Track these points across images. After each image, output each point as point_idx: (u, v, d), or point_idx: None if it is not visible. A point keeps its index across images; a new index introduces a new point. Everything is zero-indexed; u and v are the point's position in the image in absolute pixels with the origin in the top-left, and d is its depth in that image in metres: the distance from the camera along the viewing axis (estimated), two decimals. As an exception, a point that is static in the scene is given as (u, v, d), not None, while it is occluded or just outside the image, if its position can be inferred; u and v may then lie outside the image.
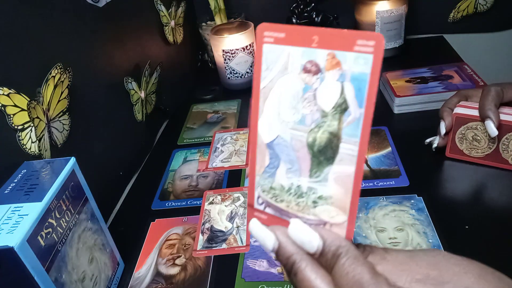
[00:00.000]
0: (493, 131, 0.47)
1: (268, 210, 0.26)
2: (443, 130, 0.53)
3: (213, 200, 0.56)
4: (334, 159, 0.23)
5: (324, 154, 0.24)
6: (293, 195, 0.25)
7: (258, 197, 0.26)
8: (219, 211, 0.53)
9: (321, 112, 0.24)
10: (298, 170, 0.25)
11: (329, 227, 0.24)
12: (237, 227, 0.51)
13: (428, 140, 0.57)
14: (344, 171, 0.23)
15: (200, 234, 0.51)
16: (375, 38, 0.21)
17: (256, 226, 0.25)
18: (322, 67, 0.23)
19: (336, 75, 0.23)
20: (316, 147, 0.24)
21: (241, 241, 0.49)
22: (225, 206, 0.54)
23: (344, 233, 0.24)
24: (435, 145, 0.55)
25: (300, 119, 0.24)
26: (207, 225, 0.52)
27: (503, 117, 0.48)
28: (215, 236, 0.50)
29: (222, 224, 0.51)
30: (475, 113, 0.50)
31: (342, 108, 0.23)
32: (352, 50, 0.22)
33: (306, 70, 0.23)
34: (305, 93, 0.24)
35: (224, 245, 0.49)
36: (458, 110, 0.51)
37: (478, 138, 0.51)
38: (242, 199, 0.55)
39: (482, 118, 0.49)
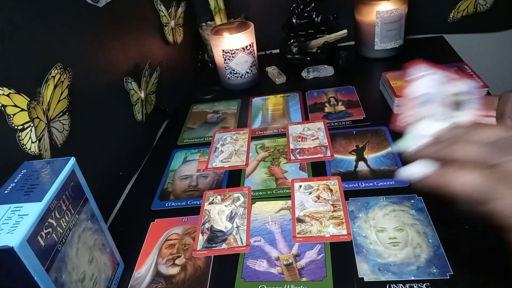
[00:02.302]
0: None
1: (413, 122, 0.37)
2: None
3: (213, 200, 0.56)
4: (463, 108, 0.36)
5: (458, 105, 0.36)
6: (442, 116, 0.36)
7: (407, 116, 0.37)
8: (219, 211, 0.53)
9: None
10: (445, 105, 0.36)
11: None
12: (237, 227, 0.51)
13: None
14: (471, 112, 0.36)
15: (200, 234, 0.51)
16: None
17: None
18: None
19: None
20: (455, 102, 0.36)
21: (241, 241, 0.49)
22: (225, 206, 0.54)
23: None
24: None
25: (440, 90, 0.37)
26: (207, 225, 0.52)
27: None
28: (215, 236, 0.50)
29: (222, 224, 0.51)
30: (491, 120, 0.48)
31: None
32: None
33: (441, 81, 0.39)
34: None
35: (224, 245, 0.49)
36: None
37: None
38: (242, 199, 0.55)
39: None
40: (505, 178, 0.25)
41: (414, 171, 0.29)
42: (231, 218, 0.52)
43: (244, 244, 0.48)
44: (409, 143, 0.33)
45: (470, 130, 0.28)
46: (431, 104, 0.36)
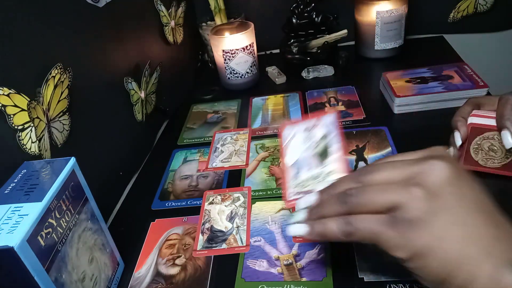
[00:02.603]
0: (509, 142, 0.45)
1: (296, 196, 0.42)
2: (459, 141, 0.49)
3: (213, 200, 0.56)
4: (328, 155, 0.43)
5: (323, 154, 0.44)
6: (313, 179, 0.42)
7: (290, 193, 0.43)
8: (219, 211, 0.53)
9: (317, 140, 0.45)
10: (311, 167, 0.43)
11: None
12: (237, 227, 0.51)
13: None
14: (334, 156, 0.43)
15: (200, 234, 0.51)
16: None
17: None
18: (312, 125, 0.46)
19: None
20: (320, 152, 0.44)
21: (241, 241, 0.49)
22: (225, 206, 0.54)
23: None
24: None
25: (307, 147, 0.45)
26: (207, 225, 0.52)
27: None
28: (215, 236, 0.50)
29: (222, 224, 0.51)
30: (491, 122, 0.47)
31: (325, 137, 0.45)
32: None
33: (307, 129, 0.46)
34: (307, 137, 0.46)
35: (224, 245, 0.49)
36: (473, 120, 0.48)
37: (495, 148, 0.49)
38: (242, 199, 0.55)
39: (500, 128, 0.46)
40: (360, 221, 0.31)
41: (297, 230, 0.35)
42: (231, 218, 0.52)
43: (244, 244, 0.48)
44: (299, 217, 0.36)
45: (330, 189, 0.35)
46: (302, 170, 0.43)
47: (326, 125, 0.45)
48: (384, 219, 0.30)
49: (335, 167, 0.42)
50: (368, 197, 0.31)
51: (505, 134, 0.45)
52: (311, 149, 0.44)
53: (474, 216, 0.28)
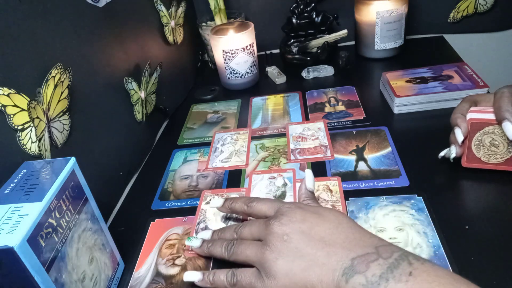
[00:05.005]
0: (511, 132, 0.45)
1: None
2: (460, 137, 0.49)
3: (210, 200, 0.56)
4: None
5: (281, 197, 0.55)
6: None
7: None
8: (215, 212, 0.53)
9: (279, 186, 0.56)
10: None
11: None
12: (237, 227, 0.51)
13: (442, 154, 0.53)
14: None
15: (194, 233, 0.51)
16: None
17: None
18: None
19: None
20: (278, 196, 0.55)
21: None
22: (225, 206, 0.54)
23: None
24: (453, 155, 0.50)
25: (269, 190, 0.56)
26: (202, 225, 0.52)
27: None
28: (210, 236, 0.50)
29: (217, 224, 0.51)
30: (491, 116, 0.47)
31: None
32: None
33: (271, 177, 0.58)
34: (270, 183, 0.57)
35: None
36: (471, 115, 0.49)
37: (496, 143, 0.48)
38: (242, 199, 0.55)
39: (499, 120, 0.46)
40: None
41: (192, 276, 0.44)
42: (226, 219, 0.52)
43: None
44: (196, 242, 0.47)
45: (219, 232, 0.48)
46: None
47: (287, 177, 0.57)
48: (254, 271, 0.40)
49: None
50: (239, 250, 0.42)
51: (506, 125, 0.45)
52: (271, 192, 0.55)
53: (305, 249, 0.37)
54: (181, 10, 0.83)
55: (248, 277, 0.39)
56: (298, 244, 0.37)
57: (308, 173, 0.47)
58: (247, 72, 0.82)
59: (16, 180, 0.36)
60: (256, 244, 0.41)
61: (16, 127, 0.40)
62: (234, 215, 0.52)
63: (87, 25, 0.53)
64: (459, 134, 0.49)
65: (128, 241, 0.51)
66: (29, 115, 0.41)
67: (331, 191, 0.53)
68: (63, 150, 0.47)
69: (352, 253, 0.35)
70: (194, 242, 0.46)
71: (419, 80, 0.69)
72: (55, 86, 0.45)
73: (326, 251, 0.36)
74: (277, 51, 0.93)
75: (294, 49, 0.87)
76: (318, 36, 0.86)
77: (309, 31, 0.86)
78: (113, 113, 0.59)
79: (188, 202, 0.56)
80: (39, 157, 0.42)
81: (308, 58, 0.86)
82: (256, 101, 0.79)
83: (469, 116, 0.49)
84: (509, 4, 0.87)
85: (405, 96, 0.66)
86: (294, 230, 0.38)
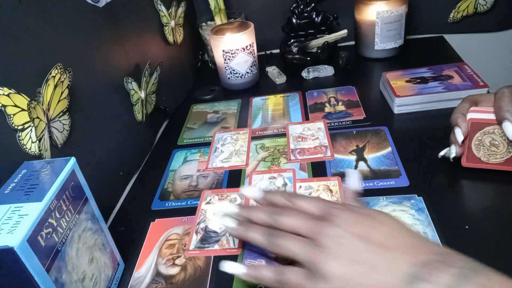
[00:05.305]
0: None
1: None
2: (460, 137, 0.49)
3: (210, 200, 0.56)
4: None
5: None
6: None
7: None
8: (215, 212, 0.53)
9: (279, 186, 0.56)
10: None
11: None
12: (237, 227, 0.51)
13: (442, 153, 0.53)
14: None
15: (194, 233, 0.51)
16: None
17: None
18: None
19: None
20: None
21: (234, 243, 0.48)
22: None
23: None
24: (453, 155, 0.51)
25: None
26: (201, 225, 0.52)
27: None
28: (208, 237, 0.50)
29: (216, 225, 0.51)
30: (491, 116, 0.47)
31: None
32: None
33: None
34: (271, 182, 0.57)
35: (216, 246, 0.48)
36: (472, 115, 0.49)
37: (496, 142, 0.48)
38: (239, 200, 0.55)
39: (500, 120, 0.46)
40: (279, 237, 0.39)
41: (233, 268, 0.41)
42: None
43: (236, 246, 0.48)
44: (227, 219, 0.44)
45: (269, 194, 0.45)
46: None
47: (287, 177, 0.57)
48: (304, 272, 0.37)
49: None
50: (284, 244, 0.39)
51: (506, 125, 0.45)
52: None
53: (363, 254, 0.35)
54: (181, 10, 0.83)
55: (297, 276, 0.37)
56: (355, 248, 0.35)
57: (352, 172, 0.46)
58: (247, 72, 0.82)
59: (16, 180, 0.36)
60: (303, 242, 0.38)
61: (16, 127, 0.40)
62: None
63: (87, 25, 0.53)
64: (459, 134, 0.49)
65: (128, 241, 0.51)
66: (29, 115, 0.41)
67: (331, 191, 0.53)
68: (63, 150, 0.47)
69: (414, 259, 0.33)
70: (229, 222, 0.43)
71: (419, 80, 0.69)
72: (55, 86, 0.45)
73: (386, 256, 0.34)
74: (277, 51, 0.93)
75: (294, 49, 0.87)
76: (318, 36, 0.86)
77: (309, 31, 0.86)
78: (113, 113, 0.59)
79: (188, 202, 0.56)
80: (39, 157, 0.42)
81: (308, 58, 0.86)
82: (256, 101, 0.79)
83: (469, 116, 0.49)
84: (509, 4, 0.87)
85: (405, 96, 0.66)
86: (350, 233, 0.36)
